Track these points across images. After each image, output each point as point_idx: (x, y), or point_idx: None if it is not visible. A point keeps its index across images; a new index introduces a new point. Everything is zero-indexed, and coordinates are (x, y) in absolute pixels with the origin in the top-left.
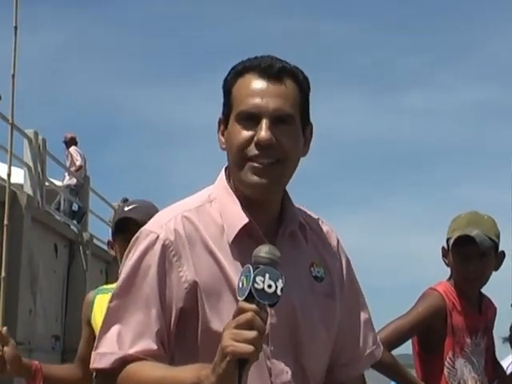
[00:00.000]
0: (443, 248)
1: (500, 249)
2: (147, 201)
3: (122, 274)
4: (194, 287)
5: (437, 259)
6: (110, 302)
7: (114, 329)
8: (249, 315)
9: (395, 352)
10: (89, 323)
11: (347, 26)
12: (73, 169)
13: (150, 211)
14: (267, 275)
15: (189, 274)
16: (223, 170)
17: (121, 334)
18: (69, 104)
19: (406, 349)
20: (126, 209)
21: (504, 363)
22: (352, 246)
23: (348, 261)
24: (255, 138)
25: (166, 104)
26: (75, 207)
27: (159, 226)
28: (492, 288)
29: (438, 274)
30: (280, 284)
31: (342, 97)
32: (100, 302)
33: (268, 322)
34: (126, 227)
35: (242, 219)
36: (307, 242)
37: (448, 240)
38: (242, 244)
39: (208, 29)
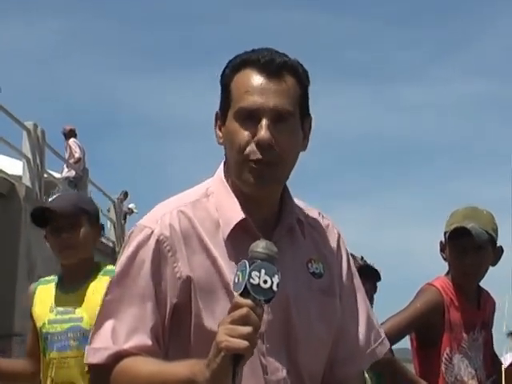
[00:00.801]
0: (441, 242)
1: (498, 244)
2: (73, 191)
3: (116, 268)
4: (188, 283)
5: (436, 254)
6: (105, 295)
7: (108, 323)
8: (244, 311)
9: (393, 346)
10: (31, 315)
11: (346, 21)
12: (72, 161)
13: (71, 199)
14: (263, 270)
15: (183, 270)
16: (222, 163)
17: (115, 329)
18: (68, 99)
19: (404, 343)
20: (49, 200)
21: (508, 358)
22: (351, 240)
23: (348, 255)
24: (255, 138)
25: (166, 99)
26: None
27: (154, 221)
28: (497, 281)
29: (438, 269)
30: (276, 279)
31: (340, 92)
32: (40, 294)
33: (264, 318)
34: (42, 217)
35: (238, 215)
36: (305, 238)
37: (445, 234)
38: (237, 240)
39: (208, 22)
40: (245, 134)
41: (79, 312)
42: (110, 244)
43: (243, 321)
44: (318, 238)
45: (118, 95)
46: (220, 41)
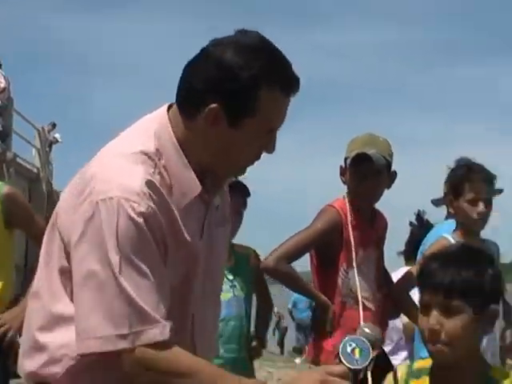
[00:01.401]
0: (341, 167)
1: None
2: None
3: (109, 243)
4: (166, 245)
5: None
6: (118, 272)
7: (149, 298)
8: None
9: (298, 270)
10: None
11: None
12: None
13: None
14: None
15: (164, 234)
16: (165, 111)
17: (153, 302)
18: None
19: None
20: None
21: (398, 274)
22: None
23: None
24: (264, 150)
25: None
26: None
27: (134, 193)
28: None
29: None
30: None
31: None
32: None
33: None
34: None
35: (196, 188)
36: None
37: (346, 159)
38: (190, 205)
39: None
40: (259, 149)
41: None
42: (35, 170)
43: None
44: None
45: (54, 34)
46: None
